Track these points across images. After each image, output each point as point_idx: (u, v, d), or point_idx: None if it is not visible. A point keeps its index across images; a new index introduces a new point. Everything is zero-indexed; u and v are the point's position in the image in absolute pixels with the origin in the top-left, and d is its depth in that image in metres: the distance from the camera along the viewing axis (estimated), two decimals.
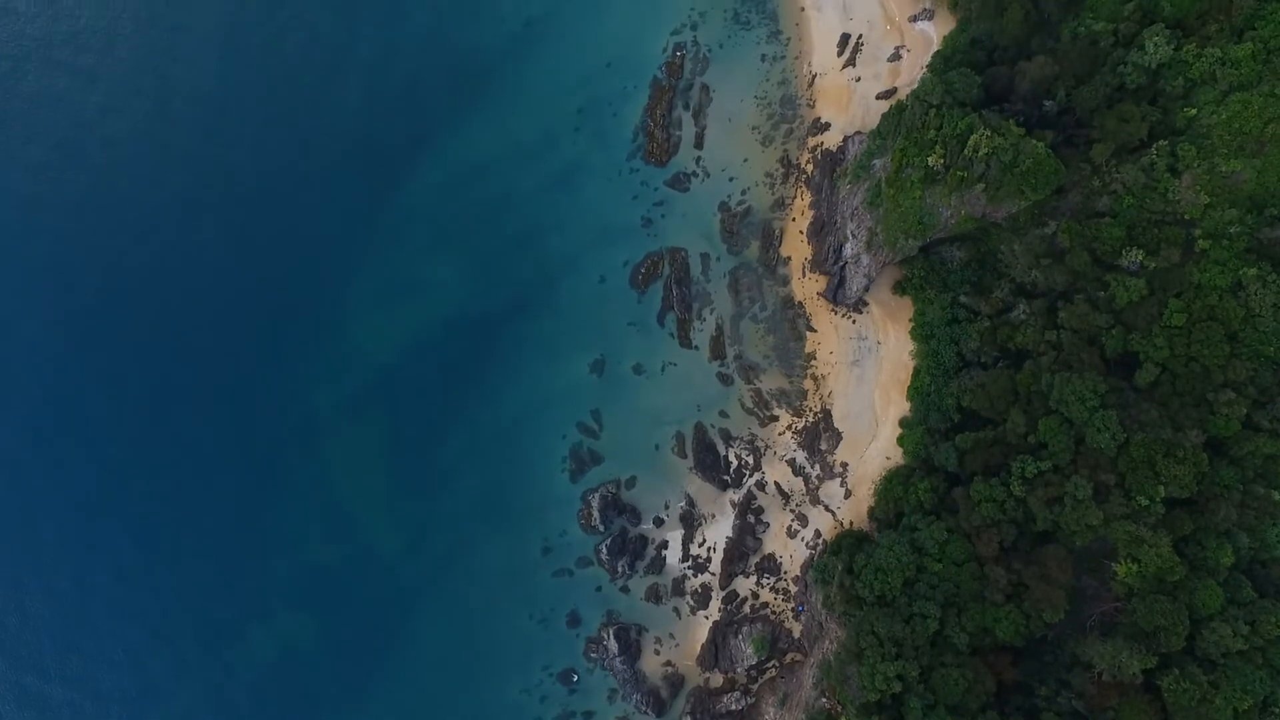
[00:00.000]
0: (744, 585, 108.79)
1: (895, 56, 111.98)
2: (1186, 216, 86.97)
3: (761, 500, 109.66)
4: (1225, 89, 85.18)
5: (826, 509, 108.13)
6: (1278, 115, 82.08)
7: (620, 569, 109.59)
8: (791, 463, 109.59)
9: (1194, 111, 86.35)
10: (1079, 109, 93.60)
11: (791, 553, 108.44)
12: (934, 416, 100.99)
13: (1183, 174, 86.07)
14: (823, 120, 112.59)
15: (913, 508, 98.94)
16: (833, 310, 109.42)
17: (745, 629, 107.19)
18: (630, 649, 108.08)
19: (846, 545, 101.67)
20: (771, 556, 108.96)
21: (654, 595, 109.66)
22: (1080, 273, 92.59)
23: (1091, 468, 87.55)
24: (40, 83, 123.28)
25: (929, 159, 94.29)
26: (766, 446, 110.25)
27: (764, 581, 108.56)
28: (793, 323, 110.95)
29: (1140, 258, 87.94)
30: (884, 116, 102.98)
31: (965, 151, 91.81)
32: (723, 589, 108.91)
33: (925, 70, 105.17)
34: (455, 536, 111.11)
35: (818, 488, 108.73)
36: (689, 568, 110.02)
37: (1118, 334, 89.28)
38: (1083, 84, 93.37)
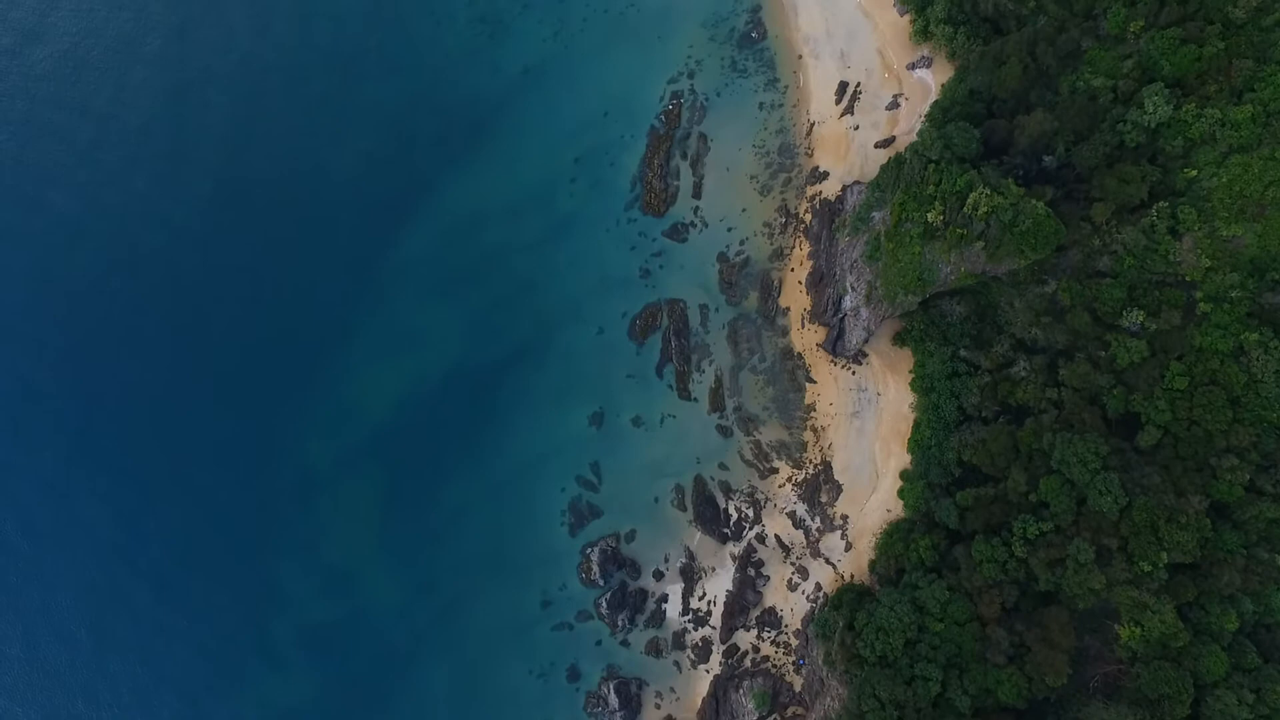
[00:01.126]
0: (745, 639, 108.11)
1: (893, 104, 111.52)
2: (1188, 279, 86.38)
3: (762, 553, 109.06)
4: (1225, 150, 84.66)
5: (827, 562, 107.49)
6: (1278, 179, 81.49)
7: (620, 623, 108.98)
8: (792, 515, 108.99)
9: (1194, 173, 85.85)
10: (1079, 165, 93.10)
11: (792, 606, 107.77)
12: (935, 471, 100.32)
13: (1183, 236, 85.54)
14: (821, 169, 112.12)
15: (914, 565, 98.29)
16: (832, 361, 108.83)
17: (746, 683, 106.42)
18: (631, 703, 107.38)
19: (848, 600, 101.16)
20: (772, 610, 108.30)
21: (654, 649, 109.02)
22: (1081, 332, 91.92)
23: (1094, 530, 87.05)
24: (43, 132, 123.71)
25: (928, 215, 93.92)
26: (766, 499, 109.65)
27: (765, 635, 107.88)
28: (792, 374, 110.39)
29: (1141, 319, 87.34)
30: (883, 169, 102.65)
31: (965, 209, 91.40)
32: (723, 642, 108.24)
33: (923, 120, 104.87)
34: (455, 590, 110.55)
35: (818, 540, 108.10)
36: (689, 621, 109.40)
37: (1119, 394, 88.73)
38: (1082, 140, 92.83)
